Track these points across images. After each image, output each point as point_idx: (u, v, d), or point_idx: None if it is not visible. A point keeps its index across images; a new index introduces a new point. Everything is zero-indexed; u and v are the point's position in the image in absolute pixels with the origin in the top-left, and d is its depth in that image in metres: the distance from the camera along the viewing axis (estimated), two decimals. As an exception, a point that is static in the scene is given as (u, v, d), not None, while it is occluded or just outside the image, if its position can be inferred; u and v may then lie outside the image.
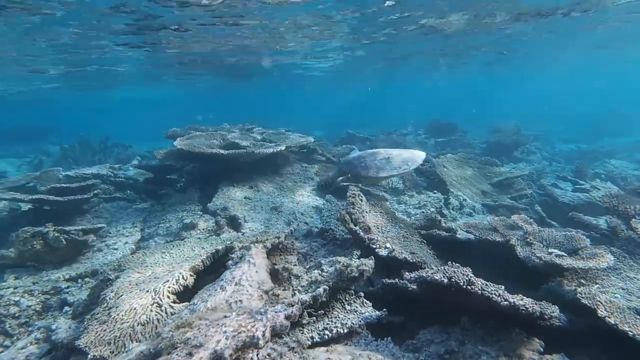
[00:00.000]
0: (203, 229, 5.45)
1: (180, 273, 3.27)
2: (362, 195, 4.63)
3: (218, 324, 1.78)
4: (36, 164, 13.42)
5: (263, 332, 1.71)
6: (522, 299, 2.43)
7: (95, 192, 6.35)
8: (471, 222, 4.67)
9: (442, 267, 2.73)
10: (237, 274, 2.64)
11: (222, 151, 6.35)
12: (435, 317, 3.18)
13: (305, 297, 2.86)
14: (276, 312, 1.90)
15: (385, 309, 3.14)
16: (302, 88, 41.05)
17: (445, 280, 2.57)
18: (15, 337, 3.54)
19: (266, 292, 2.45)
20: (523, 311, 2.38)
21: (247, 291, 2.42)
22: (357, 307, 3.21)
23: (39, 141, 18.19)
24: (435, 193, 7.00)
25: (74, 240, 5.04)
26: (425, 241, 4.54)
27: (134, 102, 44.66)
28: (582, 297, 2.91)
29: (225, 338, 1.65)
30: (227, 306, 2.32)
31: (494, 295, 2.39)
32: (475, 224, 4.55)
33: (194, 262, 3.51)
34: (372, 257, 3.21)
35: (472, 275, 2.58)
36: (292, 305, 2.03)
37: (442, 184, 7.09)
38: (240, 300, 2.35)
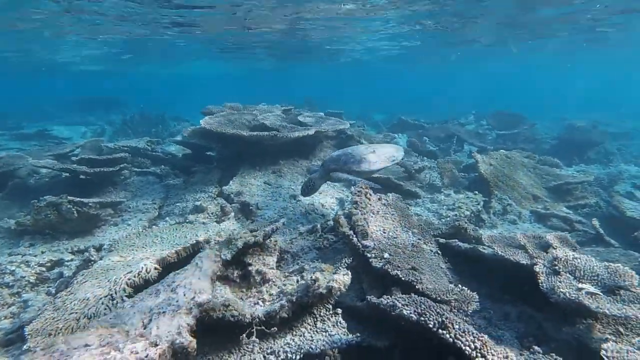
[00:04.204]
0: (211, 214, 5.25)
1: (145, 264, 3.05)
2: (370, 193, 4.11)
3: (70, 356, 1.48)
4: (99, 132, 14.23)
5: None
6: (506, 356, 1.86)
7: (121, 165, 6.38)
8: (496, 235, 3.97)
9: (416, 299, 2.21)
10: (179, 278, 2.33)
11: (244, 133, 6.08)
12: (425, 347, 2.67)
13: (259, 311, 2.50)
14: (131, 353, 1.55)
15: (358, 334, 2.68)
16: (365, 71, 40.04)
17: (414, 317, 2.06)
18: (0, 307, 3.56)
19: (199, 305, 2.11)
20: (506, 374, 1.82)
21: (177, 302, 2.10)
22: (328, 326, 2.78)
23: (108, 111, 19.34)
24: (475, 194, 6.23)
25: (86, 213, 5.07)
26: (440, 252, 3.95)
27: (202, 77, 46.37)
28: (607, 356, 2.25)
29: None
30: (147, 316, 2.02)
31: (467, 348, 1.85)
32: (500, 238, 3.85)
33: (166, 252, 3.27)
34: (348, 273, 2.74)
35: (450, 315, 2.04)
36: (156, 345, 1.67)
37: (485, 184, 6.29)
38: (164, 312, 2.04)
